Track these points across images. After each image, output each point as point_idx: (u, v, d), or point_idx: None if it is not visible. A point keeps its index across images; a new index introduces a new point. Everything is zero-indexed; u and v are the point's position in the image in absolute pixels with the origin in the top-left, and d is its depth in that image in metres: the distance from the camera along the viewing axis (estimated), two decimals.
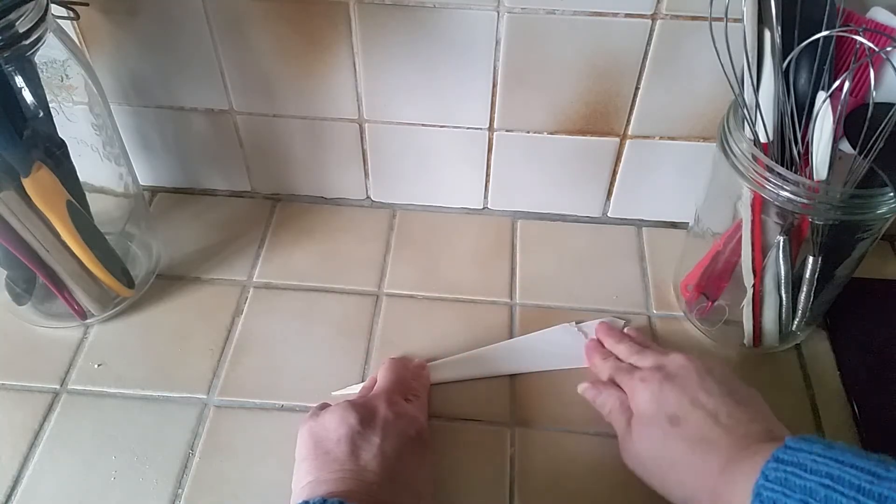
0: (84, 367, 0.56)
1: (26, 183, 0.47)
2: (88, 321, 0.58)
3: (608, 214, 0.68)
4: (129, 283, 0.58)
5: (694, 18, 0.52)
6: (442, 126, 0.61)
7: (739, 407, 0.44)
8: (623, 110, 0.59)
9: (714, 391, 0.45)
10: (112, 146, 0.56)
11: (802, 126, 0.45)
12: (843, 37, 0.44)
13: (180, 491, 0.49)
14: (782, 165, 0.46)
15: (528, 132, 0.61)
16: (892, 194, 0.44)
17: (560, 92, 0.58)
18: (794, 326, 0.55)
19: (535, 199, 0.67)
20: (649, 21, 0.52)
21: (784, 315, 0.54)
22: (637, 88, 0.57)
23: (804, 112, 0.45)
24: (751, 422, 0.43)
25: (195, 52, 0.58)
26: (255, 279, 0.63)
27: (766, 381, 0.56)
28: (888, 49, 0.43)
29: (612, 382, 0.51)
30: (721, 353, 0.58)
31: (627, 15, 0.52)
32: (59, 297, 0.55)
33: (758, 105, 0.45)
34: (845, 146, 0.45)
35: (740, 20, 0.44)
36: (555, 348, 0.57)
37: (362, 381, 0.55)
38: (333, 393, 0.54)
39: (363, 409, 0.45)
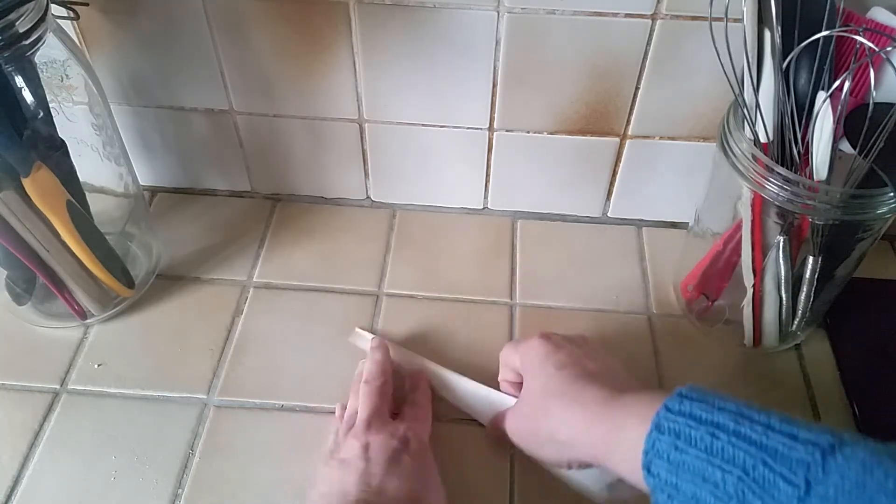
0: (84, 367, 0.56)
1: (26, 183, 0.47)
2: (88, 321, 0.58)
3: (608, 214, 0.68)
4: (129, 283, 0.58)
5: (694, 18, 0.52)
6: (442, 126, 0.61)
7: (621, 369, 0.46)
8: (623, 110, 0.59)
9: (598, 354, 0.46)
10: (112, 146, 0.56)
11: (802, 126, 0.45)
12: (843, 37, 0.44)
13: (180, 491, 0.49)
14: (782, 165, 0.46)
15: (528, 132, 0.61)
16: (892, 194, 0.44)
17: (560, 92, 0.58)
18: (795, 326, 0.55)
19: (535, 199, 0.67)
20: (649, 21, 0.52)
21: (784, 315, 0.54)
22: (637, 88, 0.57)
23: (804, 112, 0.45)
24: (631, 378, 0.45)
25: (195, 52, 0.58)
26: (255, 279, 0.63)
27: (766, 381, 0.56)
28: (888, 49, 0.43)
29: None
30: (721, 353, 0.58)
31: (627, 15, 0.52)
32: (59, 297, 0.55)
33: (758, 105, 0.45)
34: (845, 146, 0.45)
35: (740, 20, 0.44)
36: None
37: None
38: (357, 330, 0.55)
39: (354, 470, 0.43)
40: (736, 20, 0.43)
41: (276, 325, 0.59)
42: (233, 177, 0.68)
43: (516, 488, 0.50)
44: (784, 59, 0.44)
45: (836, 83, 0.42)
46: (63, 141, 0.50)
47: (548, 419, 0.42)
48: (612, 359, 0.47)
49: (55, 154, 0.50)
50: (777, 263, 0.50)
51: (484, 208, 0.69)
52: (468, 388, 0.53)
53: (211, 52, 0.57)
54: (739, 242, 0.52)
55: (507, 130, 0.61)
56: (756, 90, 0.45)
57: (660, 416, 0.35)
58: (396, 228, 0.68)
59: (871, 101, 0.43)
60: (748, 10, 0.44)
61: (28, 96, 0.47)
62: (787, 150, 0.46)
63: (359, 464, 0.43)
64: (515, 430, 0.46)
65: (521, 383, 0.48)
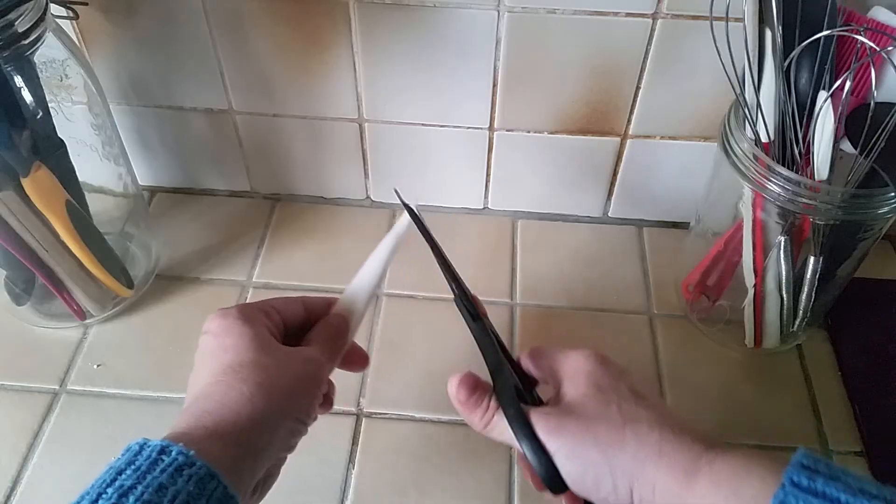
0: (83, 368, 0.56)
1: (25, 183, 0.47)
2: (88, 321, 0.58)
3: (609, 214, 0.68)
4: (128, 283, 0.58)
5: (695, 18, 0.52)
6: (442, 126, 0.61)
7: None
8: (624, 110, 0.58)
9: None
10: (111, 146, 0.56)
11: (803, 126, 0.45)
12: (844, 36, 0.44)
13: None
14: (783, 165, 0.46)
15: (529, 132, 0.61)
16: (893, 194, 0.44)
17: (561, 91, 0.57)
18: (796, 326, 0.55)
19: (535, 199, 0.67)
20: (650, 20, 0.52)
21: (785, 315, 0.54)
22: (638, 88, 0.57)
23: (805, 111, 0.45)
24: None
25: (195, 52, 0.57)
26: (254, 279, 0.63)
27: (766, 381, 0.56)
28: (889, 48, 0.43)
29: None
30: (722, 354, 0.58)
31: (628, 14, 0.52)
32: (58, 297, 0.55)
33: (759, 104, 0.45)
34: (846, 146, 0.45)
35: (741, 19, 0.44)
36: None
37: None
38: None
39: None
40: (737, 19, 0.43)
41: None
42: (232, 177, 0.68)
43: (516, 488, 0.50)
44: (785, 59, 0.43)
45: (838, 83, 0.42)
46: (62, 141, 0.50)
47: (621, 450, 0.34)
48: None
49: (54, 154, 0.49)
50: (778, 263, 0.50)
51: (484, 208, 0.69)
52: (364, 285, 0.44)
53: (210, 51, 0.57)
54: (740, 242, 0.51)
55: (507, 130, 0.61)
56: (757, 90, 0.45)
57: (786, 492, 0.29)
58: None
59: (872, 101, 0.43)
60: (749, 10, 0.43)
61: (27, 96, 0.46)
62: (788, 150, 0.46)
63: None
64: (561, 444, 0.35)
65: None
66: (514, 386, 0.38)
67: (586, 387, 0.37)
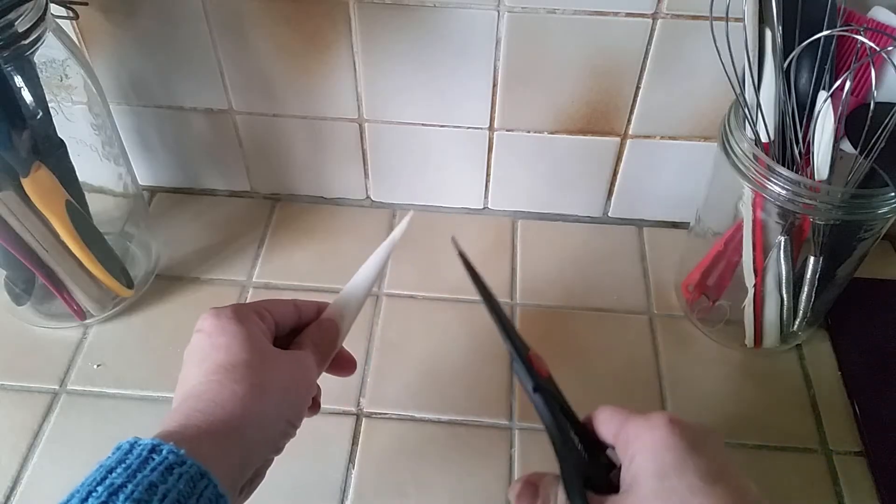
0: (83, 368, 0.56)
1: (25, 183, 0.47)
2: (88, 321, 0.58)
3: (609, 214, 0.68)
4: (128, 283, 0.58)
5: (695, 18, 0.52)
6: (442, 126, 0.61)
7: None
8: (624, 110, 0.58)
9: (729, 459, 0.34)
10: (111, 146, 0.56)
11: (803, 126, 0.45)
12: (844, 36, 0.44)
13: None
14: (783, 165, 0.46)
15: (529, 132, 0.61)
16: (893, 194, 0.44)
17: (561, 91, 0.57)
18: (796, 326, 0.55)
19: (535, 199, 0.67)
20: (650, 20, 0.52)
21: (785, 315, 0.54)
22: (638, 88, 0.57)
23: (805, 111, 0.45)
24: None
25: (195, 52, 0.57)
26: (254, 279, 0.63)
27: (767, 382, 0.56)
28: (889, 48, 0.43)
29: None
30: (722, 354, 0.58)
31: (628, 14, 0.52)
32: (58, 297, 0.55)
33: (759, 105, 0.45)
34: (846, 146, 0.45)
35: (741, 19, 0.44)
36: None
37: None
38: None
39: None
40: (737, 19, 0.43)
41: None
42: (232, 177, 0.68)
43: None
44: (785, 59, 0.43)
45: (838, 83, 0.42)
46: (62, 141, 0.50)
47: None
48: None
49: (54, 154, 0.49)
50: (778, 263, 0.50)
51: (484, 208, 0.69)
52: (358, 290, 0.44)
53: (210, 51, 0.57)
54: (740, 242, 0.51)
55: (507, 130, 0.61)
56: (757, 90, 0.45)
57: None
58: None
59: (872, 101, 0.43)
60: (749, 10, 0.44)
61: (27, 96, 0.46)
62: (788, 150, 0.46)
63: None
64: None
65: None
66: (582, 473, 0.34)
67: (650, 467, 0.32)
